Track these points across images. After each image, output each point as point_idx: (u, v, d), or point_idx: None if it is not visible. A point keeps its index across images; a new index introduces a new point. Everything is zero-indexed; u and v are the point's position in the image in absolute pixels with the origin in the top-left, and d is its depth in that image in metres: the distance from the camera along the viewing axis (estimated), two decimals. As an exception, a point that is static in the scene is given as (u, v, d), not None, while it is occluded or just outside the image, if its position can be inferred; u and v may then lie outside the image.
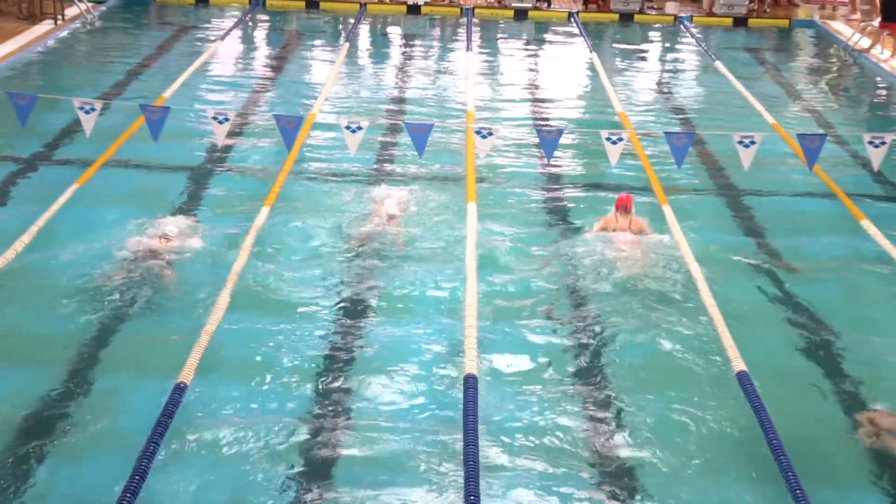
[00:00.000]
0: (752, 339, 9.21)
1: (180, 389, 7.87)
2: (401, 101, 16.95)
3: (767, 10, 26.47)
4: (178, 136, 13.88)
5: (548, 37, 23.77)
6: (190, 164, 13.18)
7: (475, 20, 24.40)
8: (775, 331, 9.67)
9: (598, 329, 9.41)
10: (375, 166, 13.42)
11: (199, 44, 20.73)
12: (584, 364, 8.90)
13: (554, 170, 13.52)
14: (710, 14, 25.91)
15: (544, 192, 12.79)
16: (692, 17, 25.56)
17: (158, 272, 9.94)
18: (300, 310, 9.57)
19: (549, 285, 10.20)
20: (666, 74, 19.99)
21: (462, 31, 23.41)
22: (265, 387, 8.40)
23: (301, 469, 7.50)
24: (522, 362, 8.91)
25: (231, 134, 13.80)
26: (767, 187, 13.28)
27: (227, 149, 13.72)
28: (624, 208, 11.22)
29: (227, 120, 10.82)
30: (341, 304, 9.71)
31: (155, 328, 9.13)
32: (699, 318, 9.48)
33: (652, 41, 24.06)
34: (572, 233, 11.40)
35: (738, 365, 8.49)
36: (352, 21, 23.66)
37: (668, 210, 11.86)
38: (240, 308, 9.35)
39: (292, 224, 11.33)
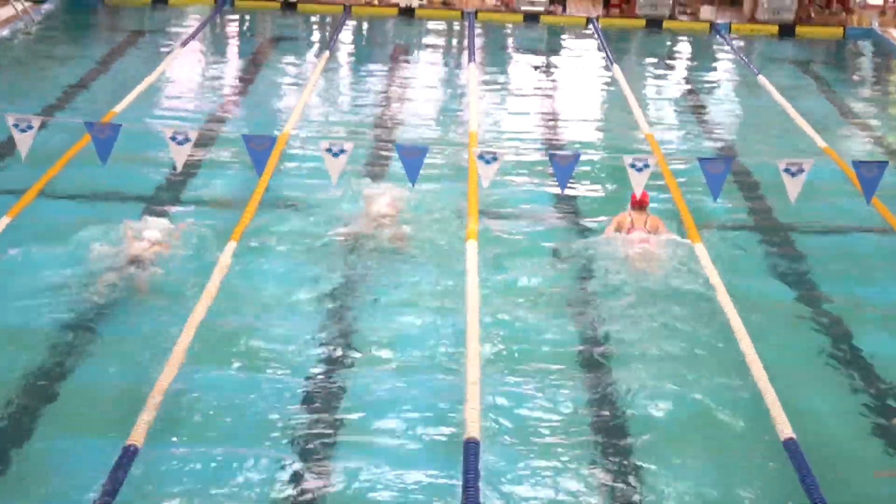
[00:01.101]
0: (800, 399, 9.23)
1: (130, 454, 7.86)
2: (391, 119, 17.05)
3: (815, 15, 26.69)
4: (130, 159, 13.94)
5: (563, 46, 23.96)
6: (143, 193, 13.24)
7: (478, 26, 24.59)
8: (828, 391, 9.69)
9: (617, 378, 9.46)
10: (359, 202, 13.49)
11: (155, 51, 20.87)
12: (601, 419, 8.92)
13: (569, 202, 13.58)
14: (752, 21, 26.13)
15: (556, 227, 12.83)
16: (731, 24, 25.77)
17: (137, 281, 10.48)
18: (272, 363, 9.59)
19: (559, 327, 10.25)
20: (700, 90, 20.13)
21: (463, 38, 23.58)
22: (230, 449, 8.39)
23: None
24: (530, 414, 8.95)
25: (192, 156, 13.86)
26: (818, 222, 13.33)
27: (188, 174, 13.78)
28: (639, 205, 12.07)
29: (187, 140, 10.88)
30: (321, 349, 9.74)
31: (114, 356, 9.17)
32: (733, 357, 9.53)
33: (684, 52, 24.25)
34: (584, 261, 11.48)
35: (786, 431, 8.51)
36: (334, 25, 23.83)
37: (701, 249, 11.91)
38: (203, 358, 9.37)
39: (262, 264, 11.38)
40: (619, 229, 12.07)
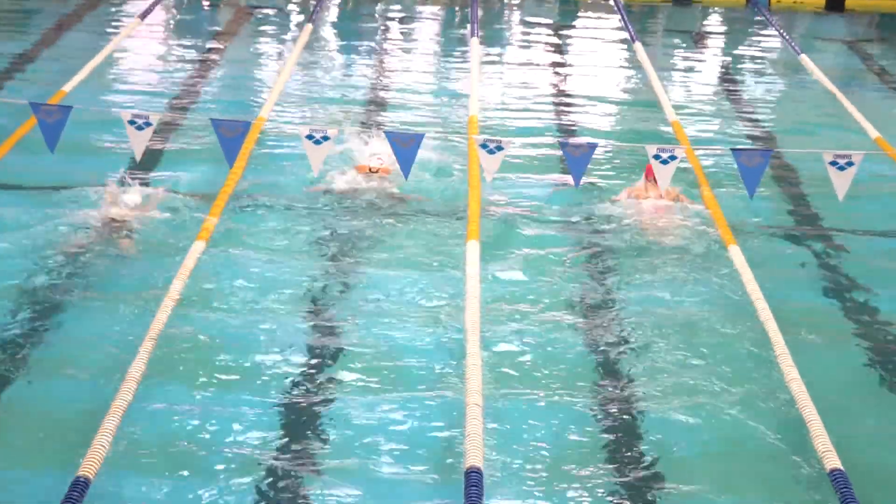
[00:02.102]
0: (847, 424, 9.24)
1: (80, 486, 7.86)
2: (381, 103, 17.07)
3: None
4: (83, 146, 13.95)
5: (578, 20, 24.00)
6: (97, 184, 13.23)
7: (482, -4, 24.64)
8: (879, 416, 9.70)
9: (637, 397, 9.47)
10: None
11: (110, 22, 20.90)
12: (620, 444, 8.94)
13: (584, 196, 13.59)
14: (795, -8, 26.18)
15: (568, 226, 12.86)
16: (770, -5, 25.84)
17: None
18: (246, 378, 9.61)
19: (570, 338, 10.28)
20: (734, 72, 20.17)
21: (464, 9, 23.61)
22: (197, 481, 8.40)
23: None
24: (540, 438, 8.96)
25: (153, 143, 13.87)
26: (869, 224, 13.35)
27: (148, 163, 13.79)
28: (655, 177, 12.02)
29: (148, 124, 10.90)
30: (302, 362, 9.75)
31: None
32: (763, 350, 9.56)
33: (716, 27, 24.30)
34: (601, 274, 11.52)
35: (832, 461, 8.53)
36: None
37: (736, 252, 11.93)
38: (166, 372, 9.39)
39: (234, 265, 11.40)
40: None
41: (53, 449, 8.62)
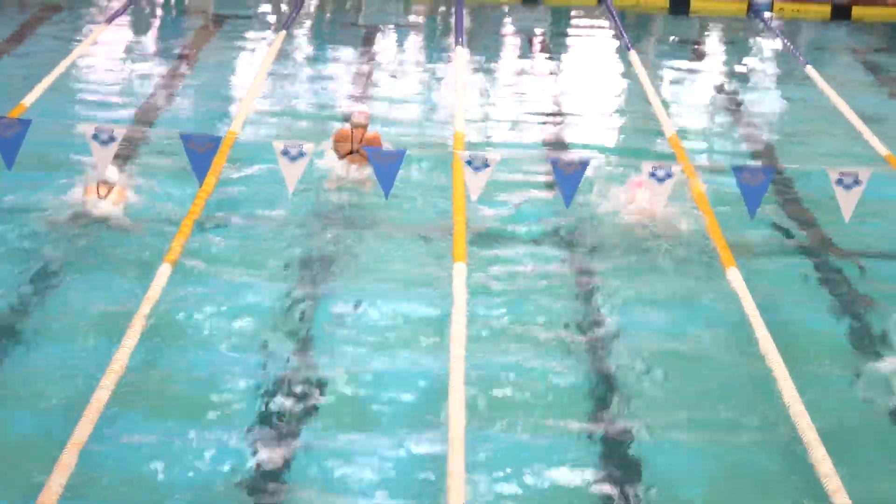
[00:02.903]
0: (855, 460, 9.25)
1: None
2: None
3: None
4: (43, 162, 13.92)
5: (570, 28, 24.04)
6: (57, 204, 13.20)
7: (467, 2, 24.66)
8: (888, 450, 9.71)
9: (633, 432, 9.48)
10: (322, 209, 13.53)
11: (74, 29, 20.89)
12: (615, 485, 8.93)
13: (574, 213, 13.60)
14: (800, 0, 26.26)
15: (558, 246, 12.87)
16: (773, 3, 25.90)
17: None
18: (213, 412, 9.59)
19: (562, 368, 10.28)
20: (735, 84, 20.22)
21: (449, 17, 23.65)
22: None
23: None
24: (529, 478, 8.95)
25: (118, 159, 13.85)
26: (877, 245, 13.38)
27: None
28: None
29: (112, 140, 10.89)
30: (274, 394, 9.73)
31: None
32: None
33: (716, 37, 24.34)
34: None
35: (842, 502, 8.55)
36: (292, 1, 23.87)
37: (735, 275, 11.96)
38: (129, 404, 9.36)
39: (203, 289, 11.39)
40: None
41: (8, 483, 8.57)
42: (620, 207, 13.53)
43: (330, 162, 14.41)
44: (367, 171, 13.67)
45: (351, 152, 14.39)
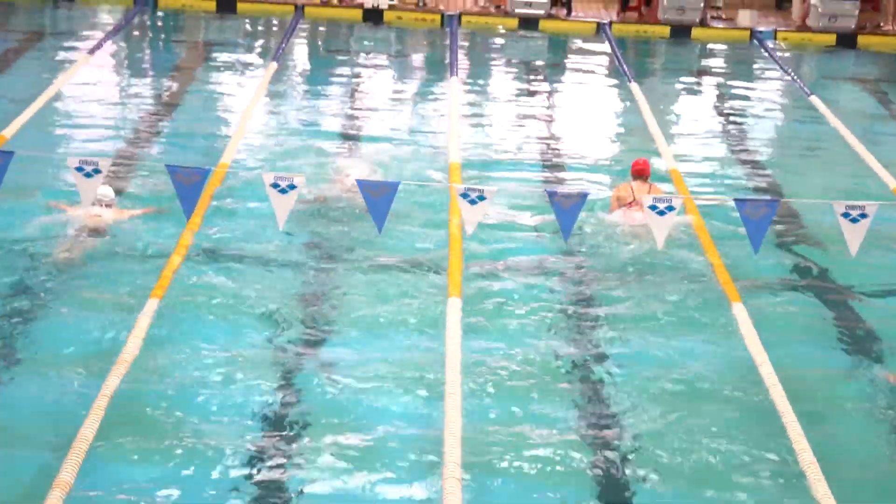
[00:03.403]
0: (858, 498, 9.28)
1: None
2: (352, 147, 17.10)
3: (884, 24, 26.98)
4: (25, 194, 13.94)
5: (568, 58, 24.15)
6: (41, 237, 13.23)
7: (462, 32, 24.78)
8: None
9: (632, 464, 9.49)
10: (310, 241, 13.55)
11: (57, 59, 20.94)
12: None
13: (572, 252, 13.64)
14: (803, 28, 26.40)
15: (558, 280, 12.90)
16: (776, 31, 26.03)
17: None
18: (202, 455, 9.58)
19: (560, 403, 10.29)
20: (738, 114, 20.29)
21: (444, 47, 23.73)
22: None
23: None
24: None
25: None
26: (885, 281, 13.41)
27: (88, 223, 13.78)
28: (640, 174, 14.39)
29: (97, 171, 10.90)
30: (265, 436, 9.73)
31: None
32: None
33: (718, 66, 24.46)
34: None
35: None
36: (283, 30, 23.95)
37: (740, 310, 11.98)
38: (114, 447, 9.36)
39: (191, 328, 11.39)
40: (620, 203, 14.26)
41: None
42: (617, 220, 13.91)
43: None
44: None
45: None
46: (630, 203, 14.26)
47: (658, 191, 14.26)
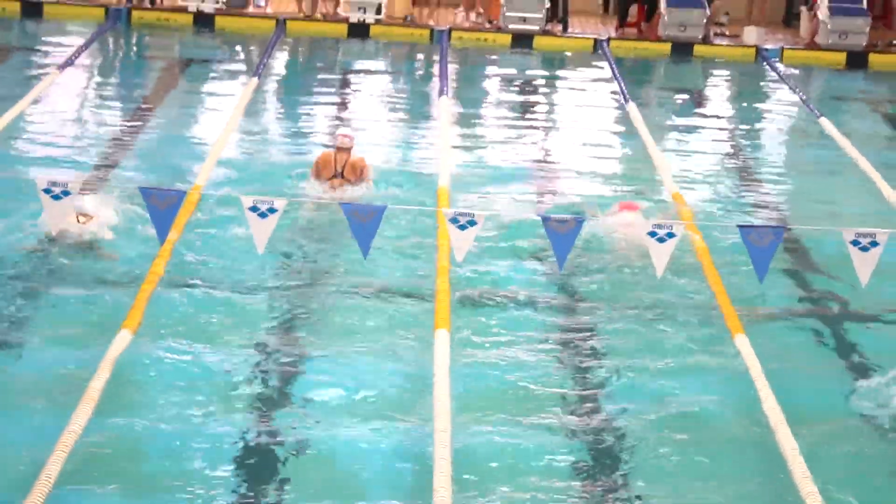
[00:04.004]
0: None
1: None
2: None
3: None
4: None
5: (563, 76, 24.21)
6: (5, 262, 13.23)
7: (452, 49, 24.82)
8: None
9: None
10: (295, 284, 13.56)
11: (25, 75, 20.95)
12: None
13: (569, 280, 13.65)
14: (812, 46, 26.46)
15: (551, 311, 12.91)
16: (783, 49, 26.09)
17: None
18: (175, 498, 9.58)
19: (553, 441, 10.29)
20: (742, 137, 20.35)
21: (433, 64, 23.78)
22: None
23: None
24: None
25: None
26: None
27: (66, 238, 13.77)
28: (629, 209, 14.79)
29: (66, 193, 10.89)
30: (242, 480, 9.72)
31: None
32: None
33: (721, 86, 24.54)
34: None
35: None
36: (263, 46, 23.98)
37: (743, 343, 11.98)
38: (76, 482, 9.35)
39: (163, 359, 11.38)
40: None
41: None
42: (611, 231, 14.27)
43: (311, 187, 15.03)
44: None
45: (334, 176, 14.93)
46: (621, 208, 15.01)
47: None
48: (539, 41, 25.86)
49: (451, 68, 23.22)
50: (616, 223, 14.56)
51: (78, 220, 13.49)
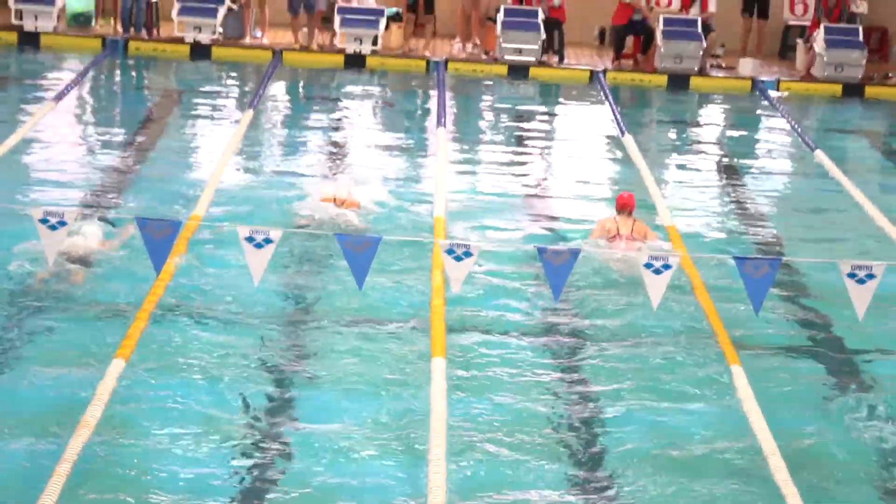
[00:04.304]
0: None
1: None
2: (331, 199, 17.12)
3: (892, 75, 27.13)
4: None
5: (560, 107, 24.27)
6: (8, 285, 13.24)
7: (449, 80, 24.86)
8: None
9: None
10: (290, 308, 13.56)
11: (21, 106, 20.98)
12: None
13: (561, 309, 13.66)
14: (808, 78, 26.55)
15: (547, 342, 12.91)
16: (779, 81, 26.17)
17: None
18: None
19: (551, 470, 10.28)
20: (738, 169, 20.37)
21: (431, 95, 23.83)
22: None
23: None
24: None
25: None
26: (893, 346, 13.42)
27: (62, 270, 13.77)
28: (625, 209, 15.16)
29: (62, 223, 10.90)
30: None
31: None
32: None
33: (717, 118, 24.58)
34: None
35: None
36: (260, 77, 24.04)
37: (739, 374, 11.98)
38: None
39: (156, 391, 11.37)
40: (603, 235, 15.05)
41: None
42: (600, 254, 14.52)
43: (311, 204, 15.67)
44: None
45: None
46: (613, 237, 15.04)
47: (642, 226, 15.20)
48: (535, 72, 25.93)
49: (448, 99, 23.26)
50: (611, 256, 14.71)
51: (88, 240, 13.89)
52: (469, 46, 27.08)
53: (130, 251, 13.99)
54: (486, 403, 11.54)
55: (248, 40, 26.51)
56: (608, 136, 21.76)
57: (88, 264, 13.62)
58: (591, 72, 25.98)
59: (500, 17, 25.90)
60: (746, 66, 26.42)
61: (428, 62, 25.92)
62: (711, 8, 26.69)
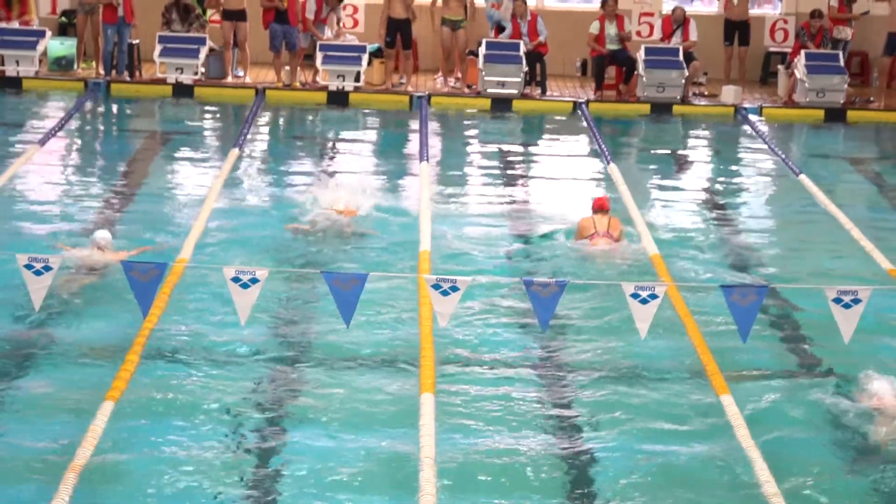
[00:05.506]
0: None
1: None
2: (318, 237, 17.12)
3: (874, 100, 27.25)
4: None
5: (544, 139, 24.31)
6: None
7: (432, 114, 24.92)
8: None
9: None
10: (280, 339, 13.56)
11: (6, 148, 20.97)
12: None
13: (549, 339, 13.67)
14: (790, 104, 26.66)
15: (536, 373, 12.92)
16: (762, 107, 26.27)
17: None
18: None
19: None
20: (723, 196, 20.42)
21: (413, 130, 23.88)
22: None
23: None
24: None
25: (55, 290, 13.87)
26: (881, 370, 13.41)
27: (49, 313, 13.78)
28: (601, 209, 16.79)
29: (47, 269, 10.92)
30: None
31: None
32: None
33: (701, 145, 24.65)
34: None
35: None
36: (244, 116, 24.07)
37: (729, 403, 11.99)
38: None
39: (147, 433, 11.36)
40: (584, 233, 16.54)
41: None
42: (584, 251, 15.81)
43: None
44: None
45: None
46: (592, 235, 16.49)
47: (617, 223, 16.76)
48: (518, 105, 26.00)
49: (432, 134, 23.31)
50: (594, 252, 16.15)
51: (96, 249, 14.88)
52: (451, 80, 27.17)
53: (119, 292, 14.01)
54: (476, 435, 11.55)
55: (230, 79, 26.58)
56: (593, 167, 21.81)
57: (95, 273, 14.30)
58: (574, 103, 26.06)
59: (483, 50, 25.98)
60: (729, 93, 26.51)
61: (411, 97, 25.99)
62: (693, 37, 26.79)
